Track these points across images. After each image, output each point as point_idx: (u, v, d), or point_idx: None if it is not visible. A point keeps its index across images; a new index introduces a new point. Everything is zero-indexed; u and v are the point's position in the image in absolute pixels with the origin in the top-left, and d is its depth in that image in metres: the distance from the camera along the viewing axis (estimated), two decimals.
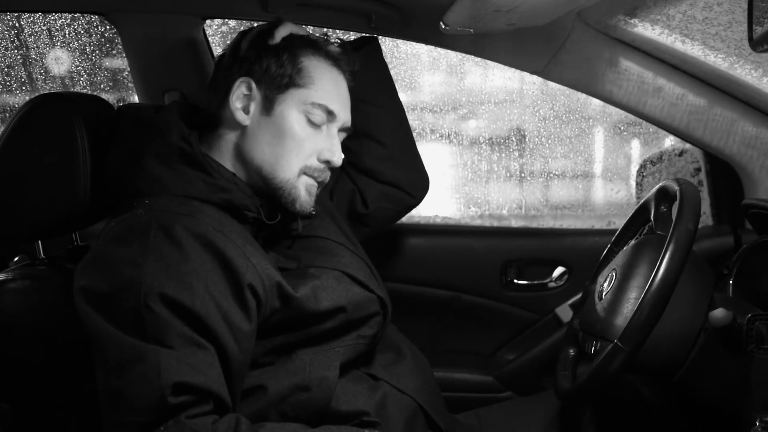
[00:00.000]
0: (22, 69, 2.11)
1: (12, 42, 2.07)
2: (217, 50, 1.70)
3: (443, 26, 1.36)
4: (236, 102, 1.17)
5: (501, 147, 2.18)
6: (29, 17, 2.02)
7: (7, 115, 2.17)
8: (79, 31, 2.04)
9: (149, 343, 0.98)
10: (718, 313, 1.04)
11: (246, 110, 1.17)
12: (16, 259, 1.57)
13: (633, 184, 2.05)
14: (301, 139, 1.16)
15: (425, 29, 1.50)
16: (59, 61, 2.10)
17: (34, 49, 2.08)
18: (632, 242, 1.24)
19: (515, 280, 1.81)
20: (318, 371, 1.14)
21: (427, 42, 1.67)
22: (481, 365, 1.84)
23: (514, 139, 2.18)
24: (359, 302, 1.21)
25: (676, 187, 1.09)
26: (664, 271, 0.98)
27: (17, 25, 2.05)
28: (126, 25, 1.63)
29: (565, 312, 1.79)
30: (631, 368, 1.02)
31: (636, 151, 2.24)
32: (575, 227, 2.08)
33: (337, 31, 1.85)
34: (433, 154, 2.20)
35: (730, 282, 1.23)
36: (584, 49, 1.54)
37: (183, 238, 1.03)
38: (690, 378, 1.08)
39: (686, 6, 1.42)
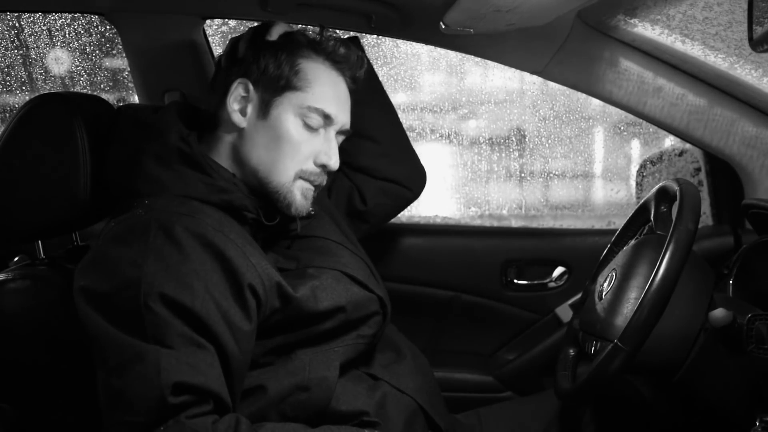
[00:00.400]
0: (22, 69, 2.11)
1: (12, 42, 2.07)
2: (217, 50, 1.70)
3: (443, 26, 1.36)
4: (233, 104, 1.16)
5: (501, 147, 2.18)
6: (29, 17, 2.02)
7: (7, 115, 2.16)
8: (79, 31, 2.04)
9: (149, 343, 0.98)
10: (718, 313, 1.05)
11: (243, 112, 1.16)
12: (16, 259, 1.57)
13: (633, 184, 2.05)
14: (298, 143, 1.15)
15: (425, 29, 1.50)
16: (59, 61, 2.10)
17: (34, 49, 2.08)
18: (632, 242, 1.24)
19: (515, 280, 1.81)
20: (318, 371, 1.14)
21: (427, 42, 1.67)
22: (481, 365, 1.84)
23: (514, 139, 2.18)
24: (359, 302, 1.21)
25: (676, 187, 1.09)
26: (664, 271, 0.98)
27: (17, 25, 2.05)
28: (126, 25, 1.63)
29: (565, 312, 1.79)
30: (631, 368, 1.02)
31: (636, 151, 2.24)
32: (575, 227, 2.08)
33: (337, 31, 1.85)
34: (433, 154, 2.20)
35: (730, 282, 1.23)
36: (584, 49, 1.54)
37: (183, 238, 1.03)
38: (690, 378, 1.08)
39: (686, 6, 1.43)
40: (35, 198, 1.21)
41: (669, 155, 1.87)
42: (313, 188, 1.20)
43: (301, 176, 1.17)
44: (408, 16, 1.49)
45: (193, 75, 1.66)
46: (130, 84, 1.98)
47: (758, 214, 1.36)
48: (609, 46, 1.53)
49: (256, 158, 1.16)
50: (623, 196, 2.22)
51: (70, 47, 2.08)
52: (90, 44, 2.07)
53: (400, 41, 2.04)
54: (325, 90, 1.18)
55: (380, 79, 1.50)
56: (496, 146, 2.18)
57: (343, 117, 1.21)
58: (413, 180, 1.51)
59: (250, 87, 1.16)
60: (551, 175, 2.21)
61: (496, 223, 2.18)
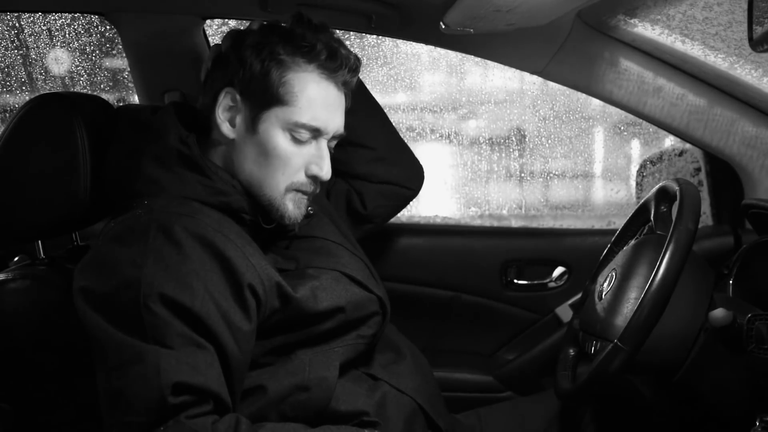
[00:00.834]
0: (22, 69, 2.11)
1: (12, 42, 2.07)
2: None
3: (443, 26, 1.35)
4: (222, 114, 1.14)
5: (501, 147, 2.18)
6: (29, 17, 2.02)
7: (7, 115, 2.16)
8: (79, 31, 2.04)
9: (149, 344, 0.98)
10: (718, 313, 1.04)
11: (232, 123, 1.14)
12: (16, 259, 1.57)
13: (633, 184, 2.05)
14: (287, 157, 1.13)
15: (425, 29, 1.50)
16: (59, 61, 2.10)
17: (34, 49, 2.08)
18: (632, 242, 1.24)
19: (515, 280, 1.81)
20: (317, 371, 1.14)
21: (427, 42, 1.67)
22: (481, 365, 1.84)
23: (514, 139, 2.18)
24: (358, 302, 1.21)
25: (676, 187, 1.09)
26: (664, 271, 0.98)
27: (17, 25, 2.05)
28: (126, 25, 1.63)
29: (565, 312, 1.79)
30: (631, 368, 1.02)
31: (636, 151, 2.24)
32: (575, 227, 2.07)
33: (337, 31, 1.85)
34: (433, 154, 2.20)
35: (730, 282, 1.23)
36: (584, 49, 1.54)
37: (183, 239, 1.03)
38: (690, 378, 1.08)
39: (686, 6, 1.43)
40: (35, 198, 1.21)
41: (669, 155, 1.87)
42: (306, 197, 1.18)
43: (292, 188, 1.15)
44: (408, 16, 1.49)
45: (193, 75, 1.65)
46: (130, 84, 1.98)
47: (758, 214, 1.35)
48: (609, 46, 1.53)
49: (247, 171, 1.15)
50: (623, 196, 2.22)
51: (70, 47, 2.08)
52: (90, 44, 2.07)
53: (400, 41, 2.04)
54: (314, 102, 1.13)
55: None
56: (496, 146, 2.18)
57: (334, 125, 1.17)
58: (411, 179, 1.51)
59: (238, 97, 1.13)
60: (551, 175, 2.20)
61: (496, 223, 2.18)
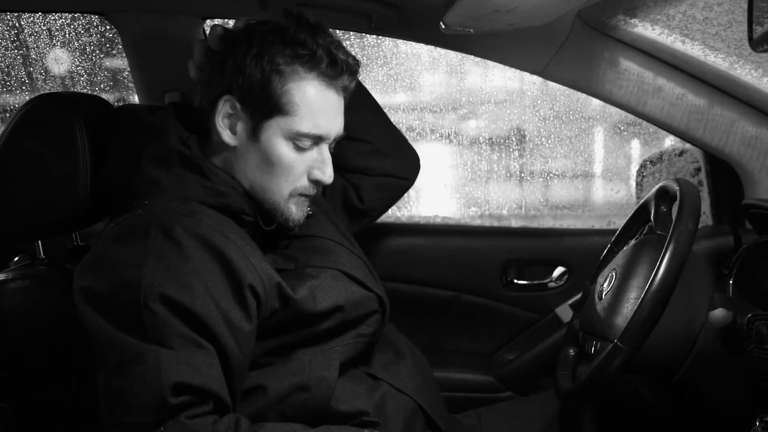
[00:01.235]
0: (22, 69, 2.11)
1: (12, 42, 2.07)
2: None
3: (443, 26, 1.35)
4: (222, 121, 1.13)
5: (501, 147, 2.18)
6: (29, 17, 2.02)
7: (7, 115, 2.16)
8: (79, 31, 2.04)
9: (149, 344, 0.98)
10: (718, 313, 1.05)
11: (233, 130, 1.14)
12: (16, 259, 1.57)
13: (633, 184, 2.05)
14: (290, 165, 1.14)
15: (425, 29, 1.50)
16: (59, 61, 2.10)
17: (34, 49, 2.08)
18: (632, 242, 1.24)
19: (515, 280, 1.81)
20: (317, 371, 1.14)
21: (427, 42, 1.67)
22: (481, 365, 1.84)
23: (514, 139, 2.18)
24: (357, 301, 1.21)
25: (676, 187, 1.09)
26: (664, 271, 0.98)
27: (17, 25, 2.05)
28: (126, 25, 1.63)
29: (565, 312, 1.79)
30: (631, 368, 1.02)
31: (636, 151, 2.24)
32: (575, 227, 2.07)
33: (337, 31, 1.85)
34: (433, 154, 2.20)
35: (730, 282, 1.23)
36: (584, 49, 1.54)
37: (183, 239, 1.03)
38: (690, 378, 1.08)
39: (686, 6, 1.43)
40: (35, 198, 1.21)
41: (669, 155, 1.87)
42: (307, 199, 1.19)
43: (295, 193, 1.16)
44: (408, 16, 1.48)
45: None
46: (130, 84, 1.98)
47: (758, 214, 1.36)
48: (609, 46, 1.53)
49: (250, 176, 1.15)
50: (623, 196, 2.22)
51: (70, 47, 2.08)
52: (90, 44, 2.07)
53: (400, 41, 2.04)
54: (315, 110, 1.12)
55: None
56: (496, 146, 2.18)
57: (335, 130, 1.17)
58: (407, 169, 1.51)
59: (238, 106, 1.12)
60: (551, 175, 2.20)
61: (496, 223, 2.18)
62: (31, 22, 2.03)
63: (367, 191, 1.46)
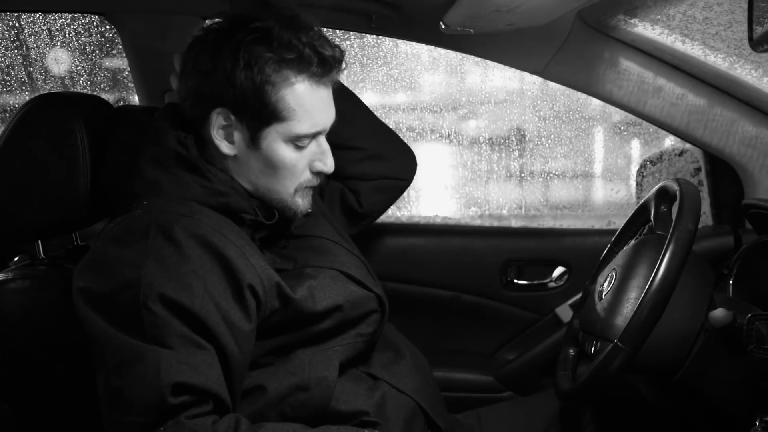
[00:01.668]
0: (22, 69, 2.11)
1: (12, 42, 2.07)
2: None
3: (443, 26, 1.35)
4: (217, 132, 1.12)
5: (501, 147, 2.18)
6: (29, 17, 2.02)
7: (7, 115, 2.16)
8: (79, 31, 2.04)
9: (149, 344, 0.98)
10: (718, 313, 1.05)
11: (230, 139, 1.13)
12: (16, 259, 1.57)
13: (633, 184, 2.05)
14: (293, 165, 1.14)
15: (425, 29, 1.50)
16: (59, 61, 2.10)
17: (34, 49, 2.08)
18: (632, 242, 1.24)
19: (515, 280, 1.81)
20: (317, 371, 1.14)
21: (427, 42, 1.67)
22: (481, 365, 1.84)
23: (514, 139, 2.18)
24: (357, 300, 1.21)
25: (676, 187, 1.09)
26: (664, 271, 0.98)
27: (17, 25, 2.05)
28: (126, 25, 1.63)
29: (565, 312, 1.79)
30: (631, 368, 1.02)
31: (636, 151, 2.24)
32: (575, 227, 2.07)
33: (337, 31, 1.85)
34: (433, 154, 2.20)
35: (730, 282, 1.23)
36: (584, 49, 1.54)
37: (182, 239, 1.03)
38: (690, 378, 1.08)
39: (686, 6, 1.43)
40: (35, 198, 1.21)
41: (669, 155, 1.87)
42: (311, 190, 1.20)
43: (301, 188, 1.17)
44: (408, 16, 1.48)
45: None
46: (130, 84, 1.98)
47: (758, 214, 1.36)
48: (609, 46, 1.53)
49: (254, 181, 1.16)
50: (623, 196, 2.22)
51: (70, 47, 2.08)
52: (90, 44, 2.07)
53: (400, 41, 2.04)
54: (310, 110, 1.12)
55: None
56: (496, 146, 2.18)
57: (330, 120, 1.17)
58: (404, 170, 1.51)
59: (232, 117, 1.11)
60: (551, 175, 2.20)
61: (496, 223, 2.18)
62: (31, 22, 2.03)
63: (366, 195, 1.46)
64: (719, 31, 1.45)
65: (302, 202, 1.19)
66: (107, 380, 1.00)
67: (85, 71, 2.11)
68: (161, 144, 1.13)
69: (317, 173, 1.18)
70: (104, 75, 2.12)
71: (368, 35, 1.99)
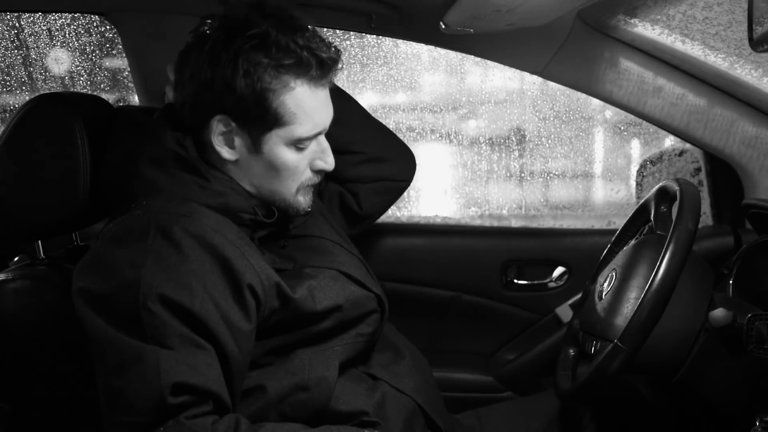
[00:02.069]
0: (22, 69, 2.11)
1: (12, 42, 2.07)
2: None
3: (443, 26, 1.35)
4: (218, 139, 1.12)
5: (501, 147, 2.18)
6: (29, 17, 2.02)
7: (7, 115, 2.16)
8: (79, 31, 2.04)
9: (148, 344, 0.98)
10: (718, 313, 1.05)
11: (231, 145, 1.13)
12: (16, 259, 1.57)
13: (633, 184, 2.05)
14: (295, 166, 1.15)
15: (425, 29, 1.50)
16: (59, 61, 2.10)
17: (34, 49, 2.08)
18: (632, 242, 1.24)
19: (515, 280, 1.81)
20: (317, 371, 1.14)
21: (427, 42, 1.67)
22: (481, 365, 1.84)
23: (514, 139, 2.18)
24: (356, 300, 1.21)
25: (676, 187, 1.09)
26: (664, 271, 0.98)
27: (17, 25, 2.05)
28: (126, 25, 1.63)
29: (565, 312, 1.79)
30: (631, 368, 1.02)
31: (636, 151, 2.24)
32: (575, 227, 2.08)
33: (337, 31, 1.85)
34: (433, 154, 2.20)
35: (730, 282, 1.23)
36: (584, 49, 1.54)
37: (182, 239, 1.03)
38: (690, 378, 1.08)
39: (686, 6, 1.43)
40: (35, 198, 1.21)
41: (669, 155, 1.87)
42: (312, 187, 1.21)
43: (302, 187, 1.18)
44: (408, 16, 1.48)
45: None
46: (130, 84, 1.98)
47: (758, 214, 1.36)
48: (609, 46, 1.53)
49: (256, 183, 1.16)
50: (623, 196, 2.22)
51: (70, 47, 2.08)
52: (90, 44, 2.07)
53: (400, 41, 2.04)
54: (311, 113, 1.13)
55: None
56: (496, 146, 2.18)
57: (329, 119, 1.18)
58: (403, 171, 1.51)
59: (233, 123, 1.11)
60: (551, 175, 2.21)
61: (496, 223, 2.18)
62: (31, 22, 2.03)
63: (365, 197, 1.46)
64: (719, 31, 1.45)
65: (304, 200, 1.19)
66: (107, 380, 1.00)
67: (85, 71, 2.11)
68: (160, 144, 1.13)
69: (318, 171, 1.19)
70: (104, 75, 2.12)
71: (368, 35, 1.99)
